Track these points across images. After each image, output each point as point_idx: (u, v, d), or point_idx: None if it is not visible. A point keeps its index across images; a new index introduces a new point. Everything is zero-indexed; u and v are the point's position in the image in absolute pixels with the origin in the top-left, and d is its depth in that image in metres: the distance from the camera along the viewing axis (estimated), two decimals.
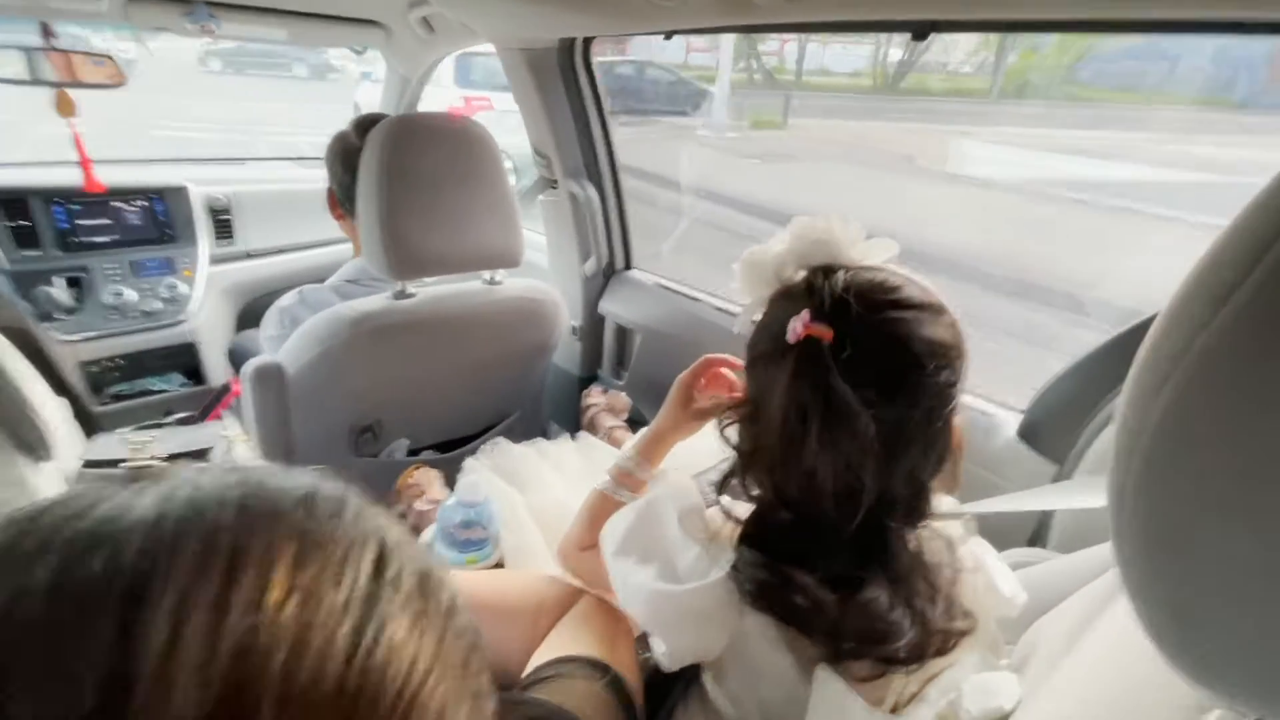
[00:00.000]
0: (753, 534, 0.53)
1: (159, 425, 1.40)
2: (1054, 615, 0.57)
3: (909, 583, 0.48)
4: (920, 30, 0.80)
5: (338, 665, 0.18)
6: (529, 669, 0.54)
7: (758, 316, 0.54)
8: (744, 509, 0.56)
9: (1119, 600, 0.46)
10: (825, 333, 0.46)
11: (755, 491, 0.55)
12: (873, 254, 0.52)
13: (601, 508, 0.65)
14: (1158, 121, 7.52)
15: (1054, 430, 0.81)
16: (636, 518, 0.57)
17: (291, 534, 0.20)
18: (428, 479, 1.04)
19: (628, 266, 1.54)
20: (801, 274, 0.52)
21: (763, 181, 6.34)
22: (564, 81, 1.33)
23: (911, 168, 6.72)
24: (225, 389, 1.50)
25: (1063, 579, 0.60)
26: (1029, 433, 0.84)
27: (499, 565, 0.80)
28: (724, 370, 0.69)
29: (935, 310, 0.49)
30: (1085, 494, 0.54)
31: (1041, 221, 5.05)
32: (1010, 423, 0.86)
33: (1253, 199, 0.24)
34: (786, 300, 0.52)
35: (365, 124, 1.14)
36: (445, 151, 1.04)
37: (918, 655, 0.47)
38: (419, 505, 1.01)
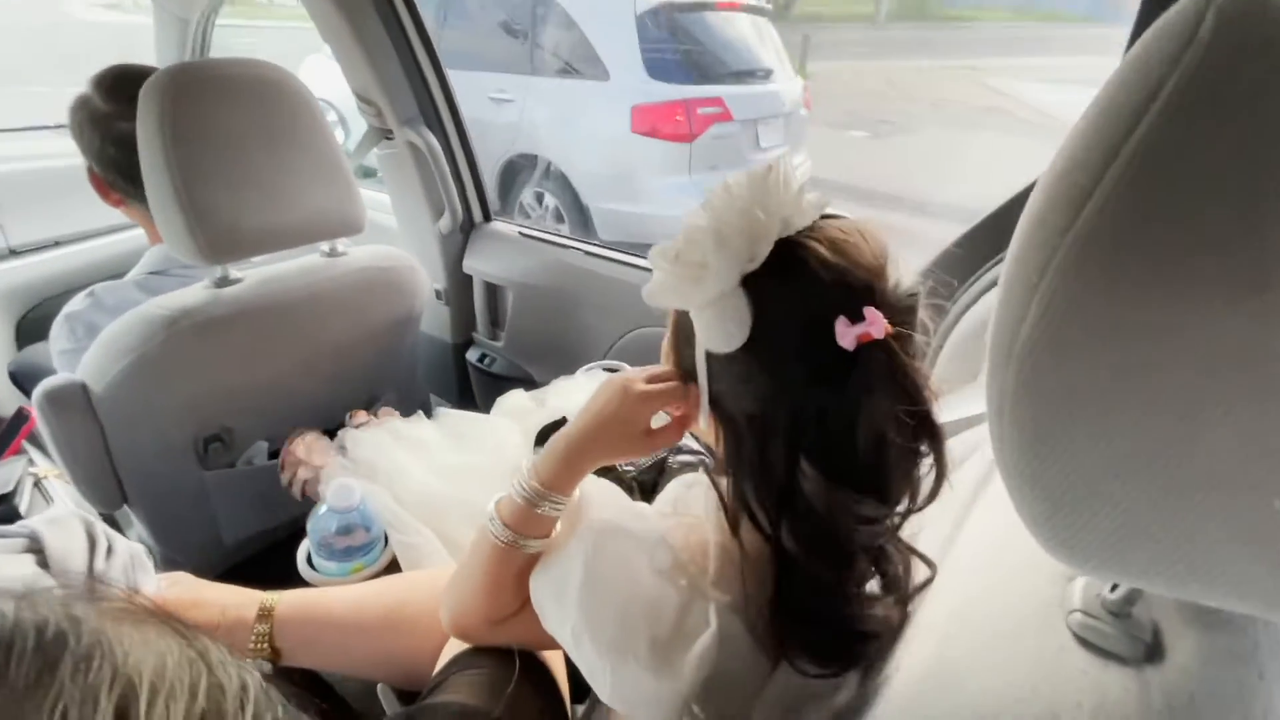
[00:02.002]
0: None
1: None
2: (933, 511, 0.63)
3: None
4: None
5: None
6: (437, 668, 0.51)
7: (743, 319, 0.40)
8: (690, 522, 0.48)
9: (991, 488, 0.50)
10: (890, 327, 0.38)
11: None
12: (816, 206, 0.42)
13: (502, 566, 0.49)
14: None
15: None
16: (588, 574, 0.44)
17: None
18: (307, 448, 0.94)
19: (487, 219, 1.44)
20: (764, 250, 0.40)
21: (913, 166, 4.70)
22: (380, 16, 1.17)
23: (1018, 124, 5.31)
24: (21, 418, 1.26)
25: None
26: None
27: (393, 564, 0.74)
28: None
29: None
30: (960, 405, 0.58)
31: None
32: None
33: (1094, 102, 0.24)
34: (796, 290, 0.40)
35: (113, 80, 0.93)
36: (250, 105, 0.88)
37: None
38: (303, 474, 0.93)
